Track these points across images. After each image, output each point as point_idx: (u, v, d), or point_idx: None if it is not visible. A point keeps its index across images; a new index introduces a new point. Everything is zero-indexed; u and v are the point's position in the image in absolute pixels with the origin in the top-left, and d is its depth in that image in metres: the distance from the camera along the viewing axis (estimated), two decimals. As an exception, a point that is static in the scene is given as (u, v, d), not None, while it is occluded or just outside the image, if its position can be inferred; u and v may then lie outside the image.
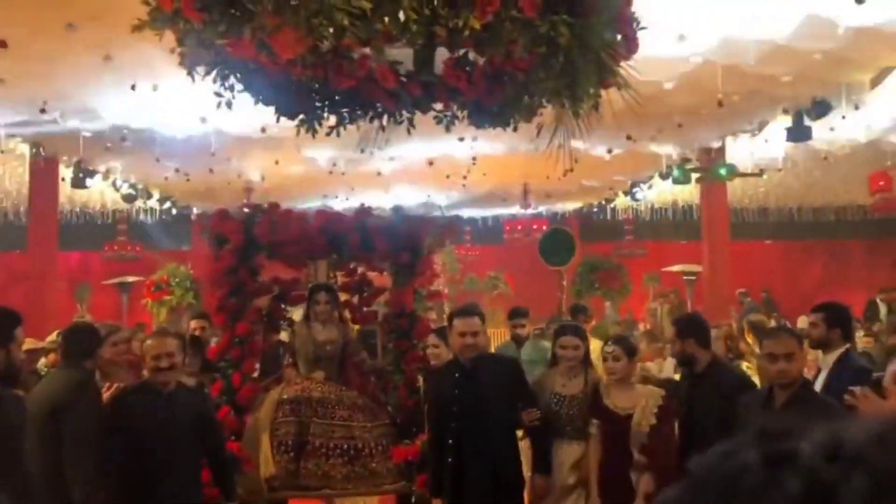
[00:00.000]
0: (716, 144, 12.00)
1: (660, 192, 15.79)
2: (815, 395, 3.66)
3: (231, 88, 2.86)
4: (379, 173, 11.60)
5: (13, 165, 12.57)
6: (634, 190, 15.55)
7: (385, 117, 3.17)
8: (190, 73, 2.61)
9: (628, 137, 9.59)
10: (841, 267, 19.50)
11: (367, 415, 5.12)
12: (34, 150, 11.50)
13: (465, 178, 12.52)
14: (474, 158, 10.99)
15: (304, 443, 4.97)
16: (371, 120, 3.12)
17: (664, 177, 13.49)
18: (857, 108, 8.99)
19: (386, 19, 2.27)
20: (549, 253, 7.47)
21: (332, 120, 3.11)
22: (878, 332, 9.11)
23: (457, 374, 4.23)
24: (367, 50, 2.67)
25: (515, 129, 2.95)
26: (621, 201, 17.17)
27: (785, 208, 18.09)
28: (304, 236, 5.27)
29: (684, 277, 14.73)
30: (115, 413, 3.79)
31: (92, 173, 13.09)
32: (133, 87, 7.65)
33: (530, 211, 14.44)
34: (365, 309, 5.80)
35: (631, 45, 2.46)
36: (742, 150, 12.18)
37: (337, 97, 3.05)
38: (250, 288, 5.32)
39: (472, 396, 4.14)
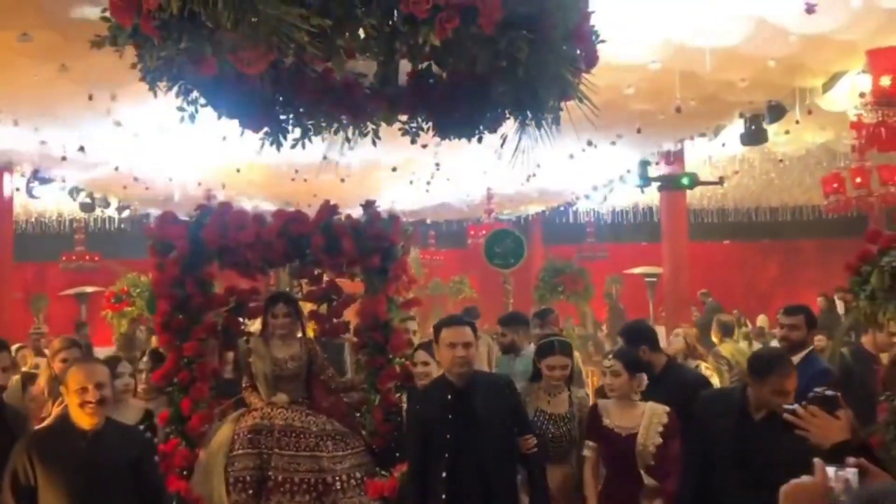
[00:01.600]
0: (674, 148, 12.20)
1: (620, 195, 16.02)
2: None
3: (194, 102, 2.85)
4: (342, 180, 11.58)
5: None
6: (595, 194, 15.75)
7: (350, 129, 3.19)
8: (151, 89, 2.60)
9: (589, 143, 9.70)
10: (796, 266, 19.94)
11: (338, 443, 4.52)
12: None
13: (428, 183, 12.56)
14: (437, 164, 11.04)
15: (265, 479, 4.37)
16: (336, 132, 3.13)
17: (625, 182, 13.69)
18: (809, 112, 9.22)
19: (347, 34, 2.29)
20: (495, 255, 7.29)
21: (297, 132, 3.11)
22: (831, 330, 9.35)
23: (449, 396, 3.66)
24: (329, 64, 2.69)
25: (480, 141, 2.99)
26: (582, 205, 17.38)
27: (742, 209, 18.49)
28: (260, 240, 4.63)
29: (646, 279, 14.97)
30: (23, 460, 3.11)
31: (47, 181, 12.90)
32: (90, 98, 7.54)
33: (494, 215, 14.51)
34: (335, 320, 5.16)
35: (590, 59, 2.51)
36: (700, 153, 12.42)
37: (301, 110, 3.06)
38: (198, 301, 4.66)
39: (468, 421, 3.60)
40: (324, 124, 3.15)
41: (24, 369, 7.13)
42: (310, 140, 3.18)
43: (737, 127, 10.71)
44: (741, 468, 3.28)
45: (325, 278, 5.12)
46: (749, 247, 20.78)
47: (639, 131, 9.84)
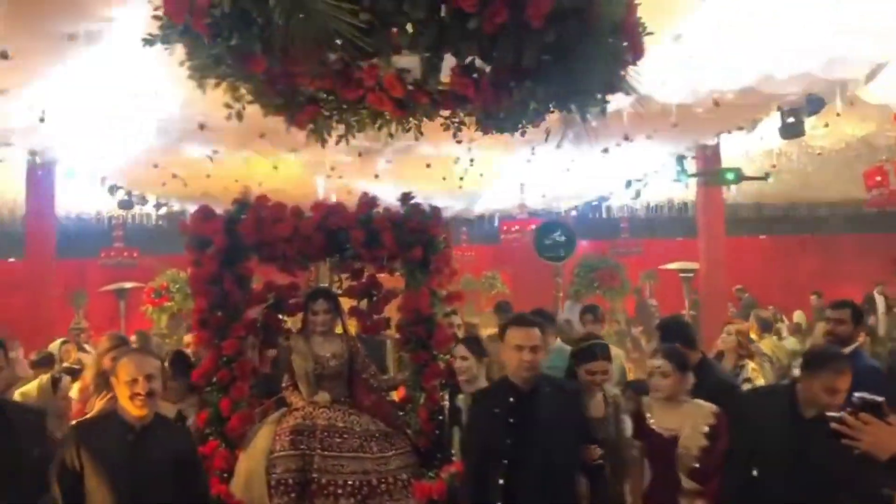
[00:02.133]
0: (711, 142, 12.06)
1: (655, 191, 15.87)
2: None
3: (240, 99, 2.89)
4: (376, 176, 11.63)
5: (9, 173, 12.55)
6: (630, 188, 15.61)
7: (392, 125, 3.21)
8: (199, 86, 2.64)
9: (625, 137, 9.63)
10: (834, 262, 19.61)
11: (383, 443, 4.37)
12: (31, 158, 11.52)
13: (461, 179, 12.56)
14: (472, 160, 11.04)
15: (308, 481, 4.21)
16: (379, 128, 3.16)
17: (659, 175, 13.56)
18: (851, 104, 9.06)
19: (394, 30, 2.30)
20: (546, 248, 7.07)
21: (341, 128, 3.14)
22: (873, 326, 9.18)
23: (511, 399, 3.47)
24: (374, 60, 2.71)
25: (523, 134, 2.99)
26: (615, 200, 17.26)
27: (779, 204, 18.21)
28: (298, 234, 4.53)
29: (681, 275, 14.82)
30: (71, 449, 3.10)
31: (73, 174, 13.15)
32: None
33: (527, 211, 14.47)
34: (375, 316, 5.02)
35: (636, 51, 2.50)
36: (737, 147, 12.26)
37: (345, 106, 3.08)
38: (236, 298, 4.55)
39: (531, 428, 3.41)
40: (367, 120, 3.18)
41: (65, 364, 7.29)
42: (353, 136, 3.21)
43: (774, 120, 10.56)
44: (790, 469, 3.19)
45: (366, 273, 5.00)
46: (786, 241, 20.47)
47: (675, 126, 9.73)
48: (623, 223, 17.83)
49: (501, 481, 3.36)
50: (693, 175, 9.90)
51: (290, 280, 5.08)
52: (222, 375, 4.46)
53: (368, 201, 4.70)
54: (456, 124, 3.12)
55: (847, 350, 4.42)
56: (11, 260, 17.29)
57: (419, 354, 4.60)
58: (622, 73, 2.47)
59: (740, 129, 11.40)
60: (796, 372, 7.35)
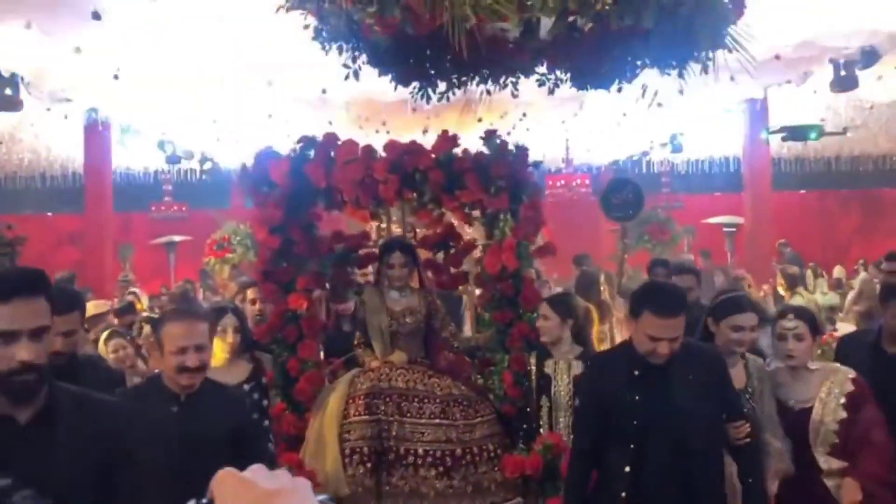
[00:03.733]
0: (759, 95, 12.03)
1: (698, 145, 15.85)
2: None
3: (355, 60, 3.10)
4: (425, 131, 11.78)
5: (66, 129, 12.91)
6: (673, 142, 15.61)
7: (489, 82, 3.41)
8: (324, 48, 2.85)
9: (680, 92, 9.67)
10: (876, 217, 19.46)
11: (466, 409, 3.94)
12: (90, 114, 11.85)
13: (508, 134, 12.65)
14: (524, 113, 11.11)
15: (385, 450, 3.83)
16: (478, 84, 3.35)
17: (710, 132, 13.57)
18: (907, 57, 8.99)
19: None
20: (614, 207, 6.95)
21: (443, 86, 3.34)
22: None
23: (636, 371, 2.94)
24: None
25: (620, 90, 3.17)
26: (658, 154, 17.25)
27: (823, 158, 18.07)
28: (371, 176, 4.05)
29: (724, 229, 14.86)
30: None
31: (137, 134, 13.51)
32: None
33: (572, 166, 14.56)
34: (452, 269, 4.59)
35: (739, 9, 2.67)
36: (784, 101, 12.21)
37: (447, 64, 3.28)
38: (304, 247, 4.16)
39: (661, 404, 2.88)
40: (465, 79, 3.38)
41: (145, 314, 7.62)
42: (454, 93, 3.41)
43: (824, 73, 10.50)
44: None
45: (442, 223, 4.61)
46: (828, 197, 20.32)
47: (732, 79, 9.75)
48: (664, 178, 17.82)
49: (626, 468, 2.88)
50: (775, 132, 9.82)
51: (361, 229, 4.81)
52: (289, 333, 4.09)
53: (449, 139, 4.13)
54: (553, 81, 3.30)
55: None
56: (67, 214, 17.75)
57: (504, 313, 4.15)
58: (726, 31, 2.64)
59: (788, 82, 11.36)
60: (829, 326, 7.41)
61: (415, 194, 4.20)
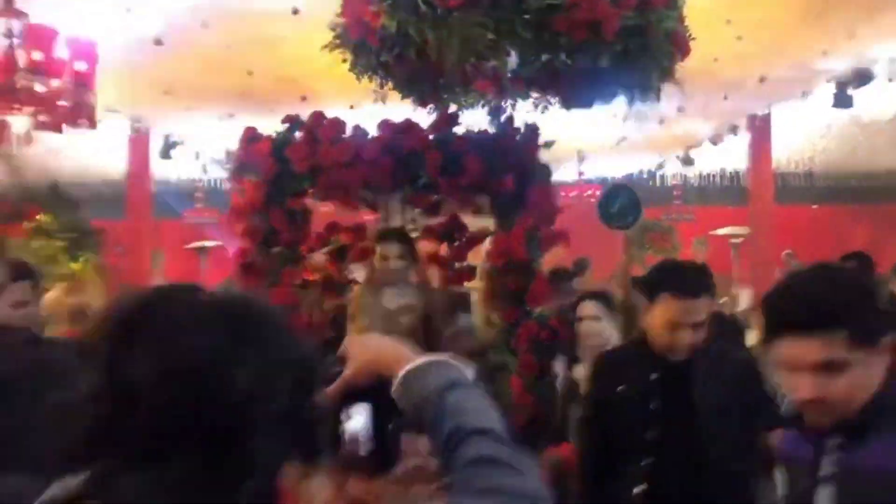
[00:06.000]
0: (762, 112, 12.71)
1: (708, 160, 16.53)
2: None
3: (382, 86, 3.89)
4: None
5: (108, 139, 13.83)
6: (685, 156, 16.31)
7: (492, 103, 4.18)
8: (358, 78, 3.66)
9: (679, 110, 10.40)
10: (886, 232, 19.90)
11: None
12: (133, 125, 12.78)
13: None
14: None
15: None
16: (483, 106, 4.13)
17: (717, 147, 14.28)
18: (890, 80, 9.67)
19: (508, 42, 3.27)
20: (612, 217, 7.21)
21: (454, 107, 4.13)
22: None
23: (652, 375, 2.58)
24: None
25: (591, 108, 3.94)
26: (670, 168, 17.92)
27: (831, 173, 18.60)
28: (361, 158, 3.71)
29: (731, 240, 15.47)
30: None
31: (174, 145, 14.44)
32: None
33: (583, 178, 15.28)
34: (457, 264, 4.24)
35: (683, 52, 3.43)
36: (788, 118, 12.88)
37: (457, 89, 4.06)
38: (288, 236, 3.84)
39: (681, 413, 2.52)
40: (473, 100, 4.15)
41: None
42: (462, 112, 4.19)
43: (825, 91, 11.15)
44: None
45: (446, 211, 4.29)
46: (837, 211, 20.80)
47: (725, 98, 10.45)
48: (676, 191, 18.47)
49: (636, 489, 2.52)
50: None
51: (355, 221, 4.42)
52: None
53: (448, 117, 3.88)
54: (544, 105, 4.07)
55: None
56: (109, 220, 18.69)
57: (510, 310, 3.80)
58: (674, 67, 3.40)
59: (790, 100, 12.02)
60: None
61: (410, 178, 3.89)
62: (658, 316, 2.54)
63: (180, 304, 0.93)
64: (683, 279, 2.56)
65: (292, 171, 3.82)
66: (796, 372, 1.55)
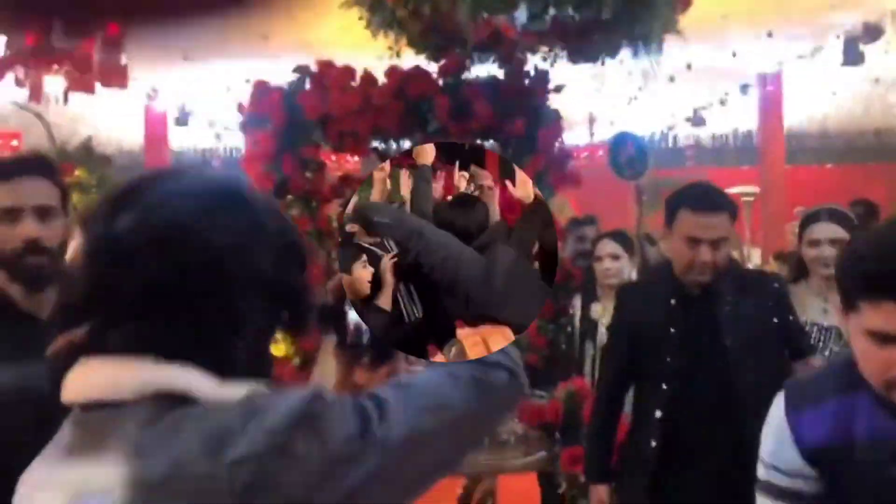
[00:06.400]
0: (772, 71, 12.74)
1: (720, 121, 16.56)
2: None
3: (396, 42, 4.06)
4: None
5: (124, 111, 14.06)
6: (697, 117, 16.35)
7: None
8: (374, 35, 3.83)
9: (688, 67, 10.47)
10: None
11: None
12: (149, 97, 12.99)
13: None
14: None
15: None
16: (494, 62, 4.29)
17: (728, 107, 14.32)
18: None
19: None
20: (622, 166, 7.13)
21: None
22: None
23: (673, 301, 2.53)
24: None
25: (603, 63, 4.09)
26: (682, 129, 17.95)
27: (845, 131, 18.56)
28: (371, 105, 3.73)
29: (742, 199, 15.57)
30: None
31: (189, 113, 14.70)
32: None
33: (595, 138, 15.40)
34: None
35: (685, 4, 3.58)
36: (798, 75, 12.90)
37: (470, 46, 4.22)
38: (300, 185, 3.83)
39: (704, 338, 2.47)
40: (484, 54, 4.32)
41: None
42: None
43: (835, 48, 11.16)
44: None
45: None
46: (850, 170, 20.76)
47: (734, 56, 10.52)
48: (688, 151, 18.51)
49: (659, 414, 2.46)
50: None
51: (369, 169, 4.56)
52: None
53: (456, 62, 3.85)
54: (552, 58, 4.23)
55: None
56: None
57: None
58: (675, 19, 3.56)
59: (801, 57, 12.04)
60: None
61: (419, 124, 3.88)
62: (677, 234, 2.47)
63: (171, 177, 0.99)
64: (700, 193, 2.52)
65: (304, 121, 3.87)
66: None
